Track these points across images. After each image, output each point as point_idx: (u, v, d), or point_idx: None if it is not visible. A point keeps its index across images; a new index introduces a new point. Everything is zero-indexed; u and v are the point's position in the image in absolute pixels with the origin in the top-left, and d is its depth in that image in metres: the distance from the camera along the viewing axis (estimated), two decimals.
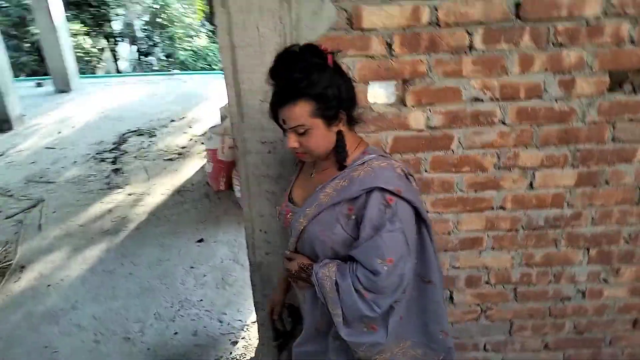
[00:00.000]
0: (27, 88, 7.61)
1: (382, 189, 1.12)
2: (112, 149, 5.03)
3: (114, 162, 4.71)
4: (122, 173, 4.46)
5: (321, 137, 1.15)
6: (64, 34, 7.18)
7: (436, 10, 1.42)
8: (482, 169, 1.62)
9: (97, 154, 4.93)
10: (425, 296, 1.27)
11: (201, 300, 2.72)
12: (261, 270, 1.92)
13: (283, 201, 1.38)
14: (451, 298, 1.85)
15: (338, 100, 1.12)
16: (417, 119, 1.55)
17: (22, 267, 3.10)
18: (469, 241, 1.75)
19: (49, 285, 2.92)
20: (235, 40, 1.52)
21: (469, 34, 1.45)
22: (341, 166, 1.19)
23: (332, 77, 1.11)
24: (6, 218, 3.71)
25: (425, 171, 1.63)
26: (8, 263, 3.12)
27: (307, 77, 1.08)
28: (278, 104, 1.12)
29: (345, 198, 1.15)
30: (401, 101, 1.53)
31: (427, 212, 1.51)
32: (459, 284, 1.83)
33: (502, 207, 1.68)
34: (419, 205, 1.18)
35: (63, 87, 7.40)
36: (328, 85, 1.10)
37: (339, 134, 1.17)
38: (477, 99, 1.52)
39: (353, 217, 1.16)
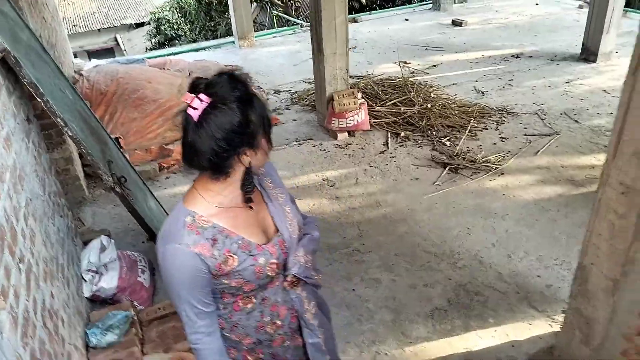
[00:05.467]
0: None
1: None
2: None
3: None
4: None
5: None
6: None
7: None
8: None
9: None
10: None
11: None
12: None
13: (262, 257, 1.36)
14: None
15: None
16: None
17: (501, 174, 4.28)
18: None
19: (503, 195, 4.01)
20: None
21: None
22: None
23: None
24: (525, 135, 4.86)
25: None
26: (495, 165, 4.34)
27: None
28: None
29: (281, 185, 1.54)
30: None
31: None
32: None
33: None
34: None
35: None
36: None
37: None
38: None
39: None
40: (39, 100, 2.55)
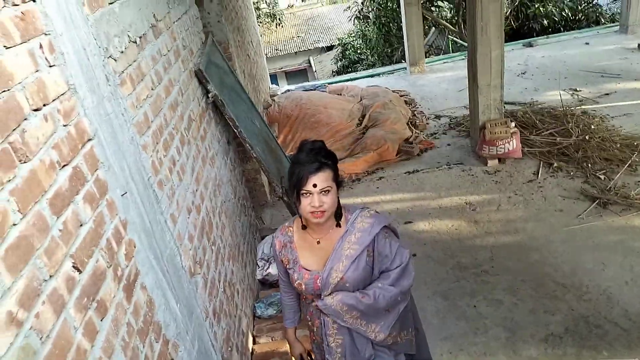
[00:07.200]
0: None
1: (382, 228, 1.85)
2: None
3: None
4: None
5: (334, 198, 1.76)
6: None
7: None
8: None
9: None
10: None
11: None
12: None
13: (297, 274, 1.89)
14: None
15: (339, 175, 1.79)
16: None
17: None
18: None
19: None
20: None
21: None
22: (338, 223, 1.85)
23: None
24: None
25: None
26: None
27: (331, 156, 1.78)
28: (312, 172, 1.70)
29: (365, 247, 1.82)
30: None
31: None
32: None
33: None
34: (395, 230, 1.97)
35: None
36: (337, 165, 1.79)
37: (338, 198, 1.80)
38: None
39: (371, 256, 1.85)
40: (235, 130, 3.49)
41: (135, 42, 2.08)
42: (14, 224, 1.07)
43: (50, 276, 1.17)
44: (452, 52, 11.13)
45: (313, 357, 2.25)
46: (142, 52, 2.16)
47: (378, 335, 1.92)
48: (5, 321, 0.98)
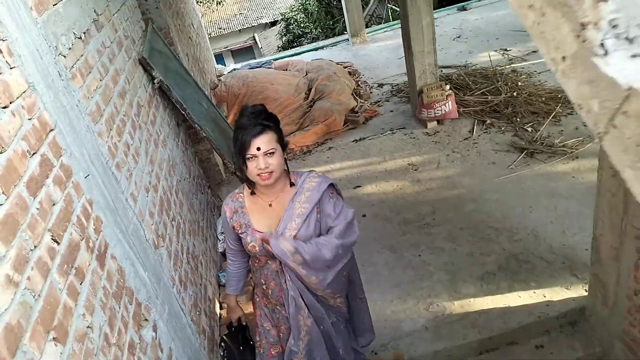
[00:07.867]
0: None
1: (328, 187, 1.95)
2: None
3: None
4: None
5: (280, 159, 1.78)
6: None
7: None
8: None
9: None
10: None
11: None
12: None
13: (250, 237, 1.94)
14: None
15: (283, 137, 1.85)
16: None
17: (576, 157, 4.57)
18: None
19: (572, 177, 4.34)
20: None
21: None
22: (291, 183, 1.94)
23: None
24: None
25: None
26: (571, 150, 4.64)
27: (273, 119, 1.80)
28: (255, 135, 1.73)
29: (314, 204, 1.90)
30: None
31: None
32: None
33: None
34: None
35: None
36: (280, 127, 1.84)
37: (285, 160, 1.84)
38: None
39: (319, 214, 1.94)
40: (183, 112, 3.66)
41: (80, 38, 2.24)
42: (0, 204, 1.27)
43: (35, 246, 1.38)
44: (392, 20, 11.41)
45: (245, 323, 2.44)
46: (87, 47, 2.31)
47: (317, 290, 2.02)
48: (5, 282, 1.20)
